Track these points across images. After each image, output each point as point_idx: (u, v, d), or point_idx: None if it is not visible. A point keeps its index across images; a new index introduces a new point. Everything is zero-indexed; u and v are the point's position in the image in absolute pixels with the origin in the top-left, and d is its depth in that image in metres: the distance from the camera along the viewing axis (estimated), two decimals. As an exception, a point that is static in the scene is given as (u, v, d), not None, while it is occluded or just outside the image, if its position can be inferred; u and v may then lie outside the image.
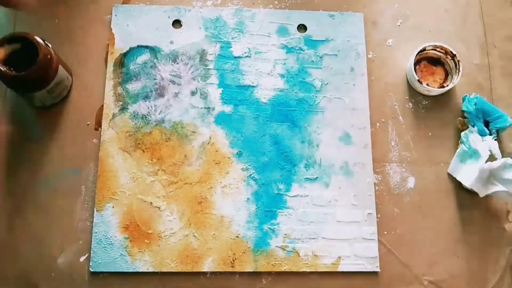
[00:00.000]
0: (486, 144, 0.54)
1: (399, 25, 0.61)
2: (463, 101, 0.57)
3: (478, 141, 0.54)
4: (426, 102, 0.58)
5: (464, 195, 0.55)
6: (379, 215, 0.54)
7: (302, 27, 0.59)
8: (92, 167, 0.53)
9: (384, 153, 0.56)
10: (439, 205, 0.55)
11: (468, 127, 0.56)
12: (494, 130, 0.55)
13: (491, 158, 0.54)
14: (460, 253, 0.54)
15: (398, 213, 0.54)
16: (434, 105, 0.58)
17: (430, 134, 0.57)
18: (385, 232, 0.53)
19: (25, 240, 0.51)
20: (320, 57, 0.58)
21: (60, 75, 0.51)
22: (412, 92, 0.59)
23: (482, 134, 0.55)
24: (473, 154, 0.54)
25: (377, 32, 0.60)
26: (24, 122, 0.54)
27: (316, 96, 0.56)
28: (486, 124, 0.56)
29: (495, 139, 0.54)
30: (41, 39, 0.49)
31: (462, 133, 0.56)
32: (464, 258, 0.54)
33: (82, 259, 0.50)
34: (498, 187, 0.52)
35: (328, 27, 0.59)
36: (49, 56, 0.49)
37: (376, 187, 0.55)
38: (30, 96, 0.51)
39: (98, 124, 0.54)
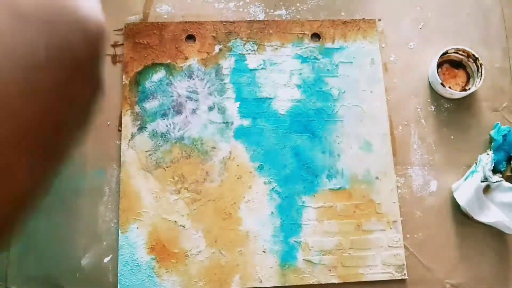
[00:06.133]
0: (495, 176, 0.53)
1: (420, 28, 0.61)
2: (494, 127, 0.57)
3: (488, 167, 0.53)
4: (448, 105, 0.58)
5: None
6: (401, 218, 0.54)
7: (315, 36, 0.58)
8: (116, 168, 0.53)
9: (407, 156, 0.56)
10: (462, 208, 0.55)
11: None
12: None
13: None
14: (482, 256, 0.54)
15: (421, 216, 0.54)
16: (456, 108, 0.58)
17: (452, 137, 0.57)
18: (408, 235, 0.53)
19: (49, 241, 0.51)
20: (336, 65, 0.57)
21: None
22: (434, 95, 0.58)
23: (497, 165, 0.54)
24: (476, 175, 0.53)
25: (398, 35, 0.60)
26: None
27: (334, 105, 0.56)
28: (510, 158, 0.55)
29: (501, 178, 0.53)
30: None
31: (480, 155, 0.55)
32: (487, 261, 0.54)
33: (106, 260, 0.51)
34: (493, 210, 0.52)
35: (342, 35, 0.58)
36: None
37: (399, 190, 0.55)
38: None
39: (120, 125, 0.54)
